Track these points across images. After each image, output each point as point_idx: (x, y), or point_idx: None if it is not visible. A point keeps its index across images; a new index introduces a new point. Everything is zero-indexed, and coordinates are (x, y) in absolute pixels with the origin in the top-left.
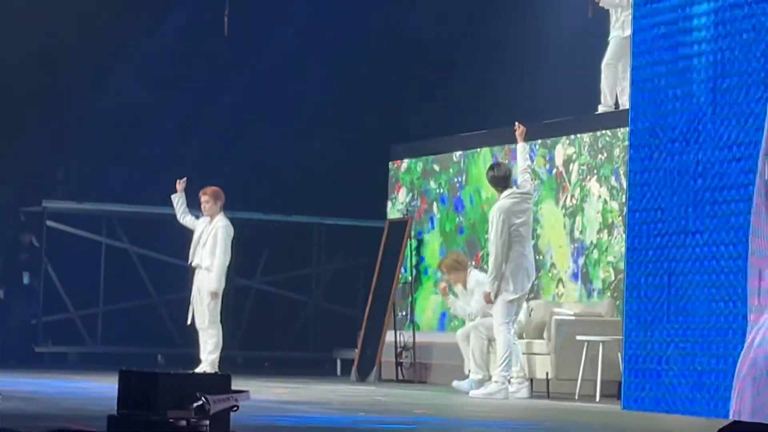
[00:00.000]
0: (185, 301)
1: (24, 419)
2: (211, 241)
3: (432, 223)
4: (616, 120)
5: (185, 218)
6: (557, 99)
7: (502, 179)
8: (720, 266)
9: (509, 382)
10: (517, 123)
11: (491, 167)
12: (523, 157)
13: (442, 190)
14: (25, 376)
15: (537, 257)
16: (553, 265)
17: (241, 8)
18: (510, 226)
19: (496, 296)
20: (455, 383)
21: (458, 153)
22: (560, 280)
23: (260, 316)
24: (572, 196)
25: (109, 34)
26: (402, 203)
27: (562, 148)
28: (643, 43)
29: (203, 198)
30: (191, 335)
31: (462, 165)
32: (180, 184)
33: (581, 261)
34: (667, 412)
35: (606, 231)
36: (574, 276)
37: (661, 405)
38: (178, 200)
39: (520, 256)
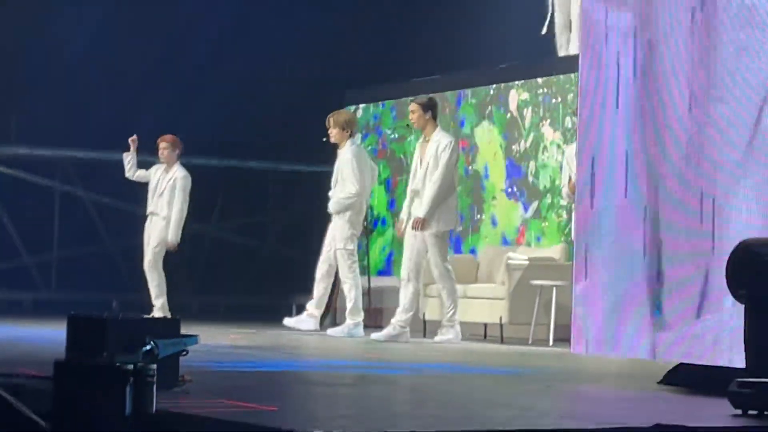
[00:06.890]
0: (139, 248)
1: None
2: (168, 191)
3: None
4: (570, 65)
5: (135, 174)
6: (513, 43)
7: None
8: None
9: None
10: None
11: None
12: None
13: (395, 135)
14: None
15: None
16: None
17: None
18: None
19: (425, 226)
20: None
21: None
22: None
23: (216, 262)
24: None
25: None
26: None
27: (516, 93)
28: None
29: (162, 145)
30: (145, 281)
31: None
32: (133, 143)
33: (535, 205)
34: (616, 354)
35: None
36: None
37: (610, 347)
38: (130, 158)
39: (455, 196)
